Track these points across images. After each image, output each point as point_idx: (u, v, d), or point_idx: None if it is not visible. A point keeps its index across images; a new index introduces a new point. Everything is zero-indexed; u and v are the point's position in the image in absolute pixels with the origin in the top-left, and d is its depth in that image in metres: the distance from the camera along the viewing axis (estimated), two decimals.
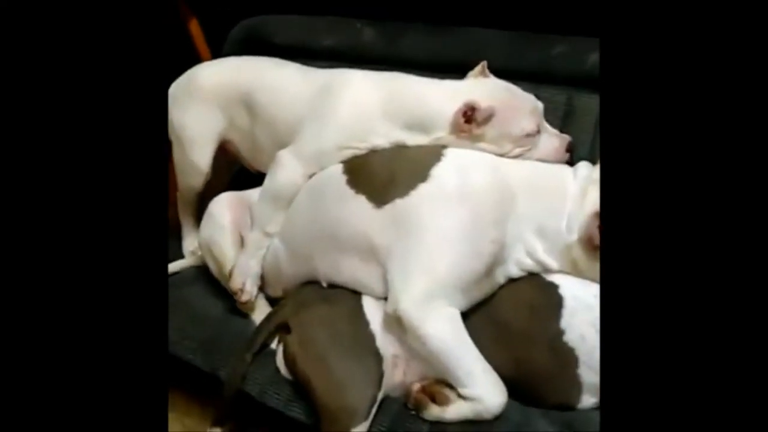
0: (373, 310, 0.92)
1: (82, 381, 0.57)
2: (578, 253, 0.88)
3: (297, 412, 0.90)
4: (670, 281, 0.54)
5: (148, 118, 0.62)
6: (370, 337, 0.90)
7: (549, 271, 0.92)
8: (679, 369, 0.53)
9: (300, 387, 0.90)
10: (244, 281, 1.02)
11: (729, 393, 0.52)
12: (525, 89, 1.01)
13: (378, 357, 0.88)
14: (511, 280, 0.93)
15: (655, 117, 0.56)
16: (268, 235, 1.03)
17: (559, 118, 1.06)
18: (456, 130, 0.93)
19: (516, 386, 0.87)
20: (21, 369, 0.56)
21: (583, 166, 0.94)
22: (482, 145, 0.94)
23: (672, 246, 0.54)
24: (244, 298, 1.03)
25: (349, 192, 0.94)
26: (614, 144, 0.57)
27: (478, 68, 1.02)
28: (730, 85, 0.54)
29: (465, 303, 0.88)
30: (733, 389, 0.52)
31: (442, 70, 1.10)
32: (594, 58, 1.05)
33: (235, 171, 1.28)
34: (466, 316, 0.88)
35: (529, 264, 0.92)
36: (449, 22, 1.24)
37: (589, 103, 1.06)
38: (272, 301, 1.08)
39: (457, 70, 1.05)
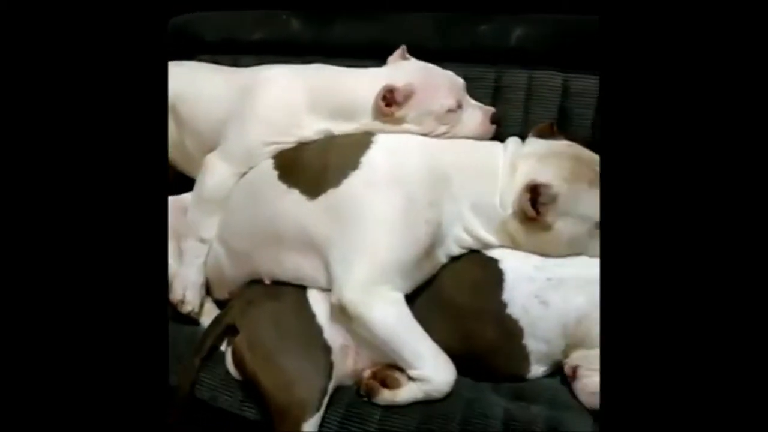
0: (318, 303, 0.92)
1: (81, 380, 0.56)
2: (514, 227, 0.90)
3: (251, 413, 0.90)
4: (670, 272, 0.54)
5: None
6: (318, 330, 0.89)
7: (489, 246, 0.93)
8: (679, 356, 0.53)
9: (252, 387, 0.89)
10: (185, 292, 1.00)
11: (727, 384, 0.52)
12: (455, 69, 1.02)
13: (326, 348, 0.88)
14: (453, 259, 0.94)
15: (654, 106, 0.55)
16: (204, 241, 1.01)
17: (489, 95, 1.07)
18: (379, 114, 0.93)
19: (466, 362, 0.88)
20: (20, 370, 0.55)
21: (513, 142, 0.95)
22: (406, 126, 0.94)
23: (671, 238, 0.54)
24: (186, 309, 1.00)
25: (282, 187, 0.93)
26: (614, 130, 0.57)
27: (397, 52, 1.03)
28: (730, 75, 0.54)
29: (408, 286, 0.88)
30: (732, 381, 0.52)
31: (373, 56, 1.09)
32: (518, 33, 1.06)
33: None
34: (411, 298, 0.89)
35: (469, 241, 0.93)
36: (375, 8, 1.23)
37: (518, 79, 1.07)
38: (221, 303, 1.07)
39: (388, 55, 1.05)
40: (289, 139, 0.97)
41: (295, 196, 0.92)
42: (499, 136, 1.00)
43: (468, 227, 0.92)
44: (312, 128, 0.97)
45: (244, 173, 1.00)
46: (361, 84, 0.96)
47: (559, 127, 0.99)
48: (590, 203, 0.86)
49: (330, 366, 0.87)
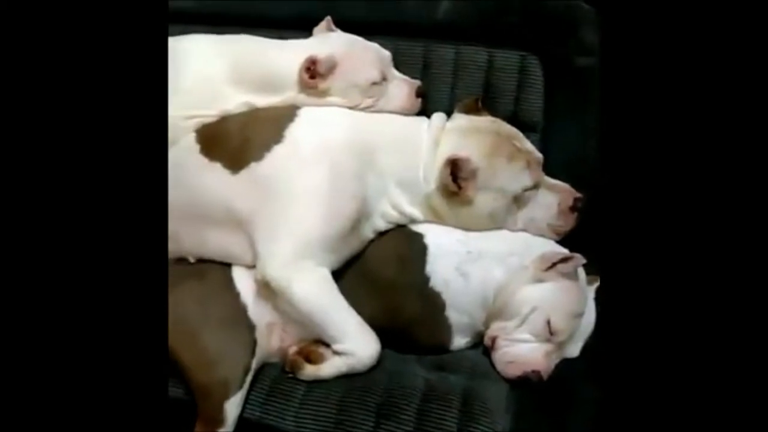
0: (243, 281, 0.91)
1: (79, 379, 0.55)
2: (437, 202, 0.91)
3: (175, 391, 0.88)
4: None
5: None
6: (242, 308, 0.89)
7: (415, 221, 0.94)
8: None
9: (174, 366, 0.88)
10: None
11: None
12: (383, 44, 1.01)
13: (250, 326, 0.87)
14: (381, 234, 0.94)
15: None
16: None
17: (418, 71, 1.06)
18: (303, 86, 0.92)
19: (391, 335, 0.89)
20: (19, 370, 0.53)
21: (437, 117, 0.96)
22: (331, 99, 0.93)
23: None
24: None
25: (204, 161, 0.91)
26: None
27: (323, 23, 1.01)
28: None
29: (334, 261, 0.88)
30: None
31: (300, 28, 1.07)
32: (445, 6, 1.06)
33: None
34: (339, 273, 0.89)
35: (395, 216, 0.93)
36: None
37: (445, 54, 1.06)
38: None
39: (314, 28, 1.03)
40: (210, 112, 0.94)
41: (217, 170, 0.90)
42: (427, 112, 1.00)
43: (394, 202, 0.92)
44: (235, 101, 0.94)
45: None
46: (285, 56, 0.94)
47: (484, 103, 1.00)
48: (509, 177, 0.88)
49: (254, 344, 0.86)
